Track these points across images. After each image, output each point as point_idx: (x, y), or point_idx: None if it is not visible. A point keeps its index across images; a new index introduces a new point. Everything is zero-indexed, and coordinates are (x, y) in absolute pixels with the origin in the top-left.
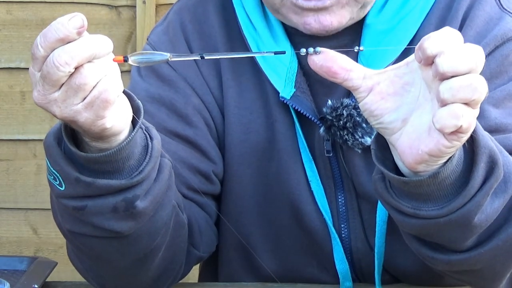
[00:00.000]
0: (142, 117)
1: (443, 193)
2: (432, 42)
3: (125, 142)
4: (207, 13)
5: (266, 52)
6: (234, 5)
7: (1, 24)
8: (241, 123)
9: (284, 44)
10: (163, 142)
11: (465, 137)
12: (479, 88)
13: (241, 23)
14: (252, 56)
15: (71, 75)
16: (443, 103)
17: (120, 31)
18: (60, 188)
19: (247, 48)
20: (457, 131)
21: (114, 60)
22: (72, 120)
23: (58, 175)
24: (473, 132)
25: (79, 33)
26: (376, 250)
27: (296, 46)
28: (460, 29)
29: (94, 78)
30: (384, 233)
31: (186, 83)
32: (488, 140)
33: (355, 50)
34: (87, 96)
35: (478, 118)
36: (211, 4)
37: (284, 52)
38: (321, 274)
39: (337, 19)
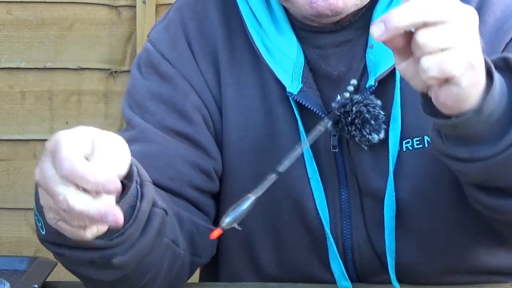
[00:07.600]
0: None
1: (493, 130)
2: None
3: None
4: (208, 11)
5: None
6: (238, 1)
7: (1, 24)
8: (239, 121)
9: (290, 37)
10: (164, 141)
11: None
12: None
13: (245, 19)
14: (255, 50)
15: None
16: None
17: (120, 31)
18: (41, 231)
19: (248, 45)
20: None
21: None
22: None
23: (40, 219)
24: None
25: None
26: (386, 248)
27: (301, 40)
28: None
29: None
30: (393, 231)
31: (185, 80)
32: None
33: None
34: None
35: None
36: (212, 1)
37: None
38: (322, 272)
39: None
